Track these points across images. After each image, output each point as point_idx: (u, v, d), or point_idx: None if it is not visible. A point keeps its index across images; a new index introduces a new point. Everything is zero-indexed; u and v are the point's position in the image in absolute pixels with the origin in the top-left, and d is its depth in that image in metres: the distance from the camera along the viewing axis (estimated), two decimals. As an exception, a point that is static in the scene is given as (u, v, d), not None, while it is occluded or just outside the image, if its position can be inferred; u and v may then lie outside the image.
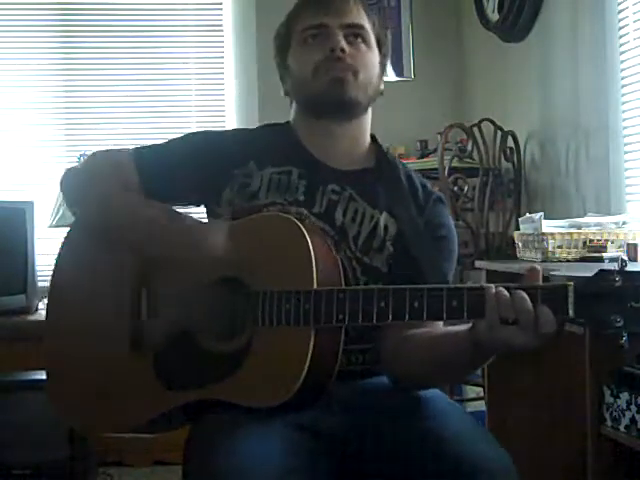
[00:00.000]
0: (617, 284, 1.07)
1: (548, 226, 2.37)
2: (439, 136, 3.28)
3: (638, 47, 2.55)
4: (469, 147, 3.22)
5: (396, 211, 1.43)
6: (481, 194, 3.19)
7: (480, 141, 3.23)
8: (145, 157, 1.49)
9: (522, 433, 2.49)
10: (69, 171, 1.54)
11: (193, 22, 3.92)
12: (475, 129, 3.23)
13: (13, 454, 2.64)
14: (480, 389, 3.18)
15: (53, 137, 3.86)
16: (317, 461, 1.25)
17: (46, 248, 3.47)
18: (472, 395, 3.41)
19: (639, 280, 1.07)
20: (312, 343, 1.22)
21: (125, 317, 1.40)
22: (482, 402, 3.02)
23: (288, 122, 1.55)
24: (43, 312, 3.19)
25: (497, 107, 3.48)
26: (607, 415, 1.88)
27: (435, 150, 3.46)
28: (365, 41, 1.45)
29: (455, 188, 3.20)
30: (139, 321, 1.39)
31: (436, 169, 3.21)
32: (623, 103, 2.63)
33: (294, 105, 1.53)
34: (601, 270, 1.10)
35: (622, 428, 1.83)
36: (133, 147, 1.53)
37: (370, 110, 1.50)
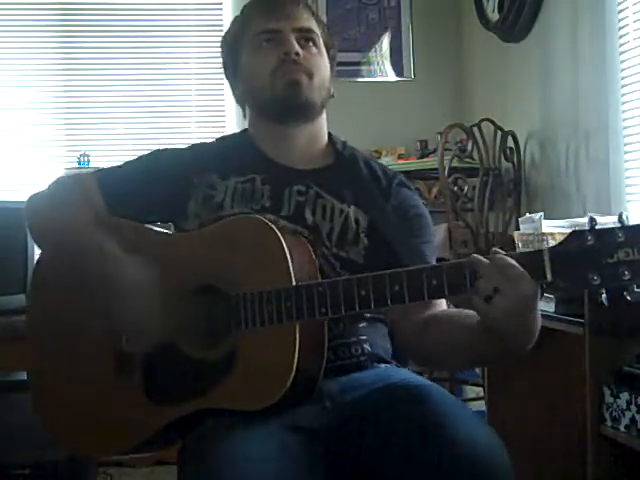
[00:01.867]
0: (590, 243, 1.09)
1: (548, 226, 2.37)
2: (439, 136, 3.28)
3: (638, 47, 2.55)
4: (469, 147, 3.22)
5: (363, 203, 1.45)
6: (481, 194, 3.19)
7: (480, 141, 3.23)
8: (107, 180, 1.50)
9: (522, 433, 2.49)
10: (33, 198, 1.53)
11: (193, 22, 3.92)
12: (475, 129, 3.23)
13: (13, 454, 2.65)
14: (480, 389, 3.18)
15: (53, 137, 3.86)
16: (314, 462, 1.25)
17: (46, 248, 3.47)
18: (472, 395, 3.41)
19: (611, 237, 1.08)
20: (297, 339, 1.22)
21: (106, 342, 1.38)
22: (482, 402, 3.02)
23: (245, 130, 1.56)
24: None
25: (497, 107, 3.48)
26: (607, 415, 1.88)
27: (435, 150, 3.47)
28: (316, 45, 1.48)
29: (455, 188, 3.20)
30: (120, 343, 1.37)
31: (436, 169, 3.21)
32: (623, 103, 2.63)
33: (249, 112, 1.54)
34: (573, 231, 1.12)
35: (622, 428, 1.83)
36: (94, 171, 1.54)
37: (325, 110, 1.52)
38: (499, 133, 3.25)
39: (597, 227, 1.10)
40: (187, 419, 1.31)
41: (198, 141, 1.60)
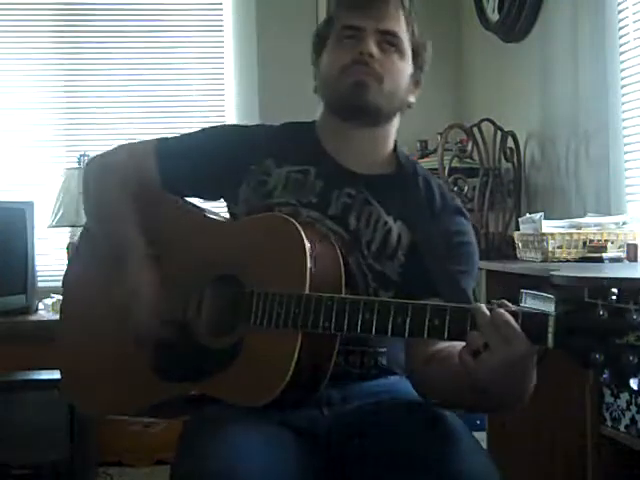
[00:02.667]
0: (601, 318, 1.03)
1: (548, 226, 2.37)
2: (439, 136, 3.28)
3: (638, 47, 2.54)
4: (469, 147, 3.22)
5: (410, 220, 1.42)
6: (481, 194, 3.19)
7: (480, 141, 3.22)
8: (166, 150, 1.51)
9: (522, 433, 2.49)
10: (92, 161, 1.63)
11: (193, 22, 3.92)
12: (475, 129, 3.23)
13: (13, 454, 2.65)
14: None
15: (53, 137, 3.86)
16: (307, 462, 1.25)
17: (46, 248, 3.48)
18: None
19: (624, 315, 1.02)
20: (298, 346, 1.23)
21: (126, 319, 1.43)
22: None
23: (314, 121, 1.54)
24: (43, 312, 3.20)
25: (497, 107, 3.47)
26: (607, 415, 1.88)
27: (435, 150, 3.46)
28: (398, 50, 1.44)
29: (455, 188, 3.20)
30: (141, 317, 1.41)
31: (436, 169, 3.21)
32: (623, 103, 2.63)
33: (321, 104, 1.52)
34: (587, 302, 1.05)
35: (622, 428, 1.83)
36: (157, 139, 1.55)
37: (396, 120, 1.48)
38: (499, 133, 3.24)
39: (614, 303, 1.03)
40: (191, 400, 1.33)
41: (278, 124, 1.59)
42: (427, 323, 1.14)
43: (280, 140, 1.50)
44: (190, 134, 1.54)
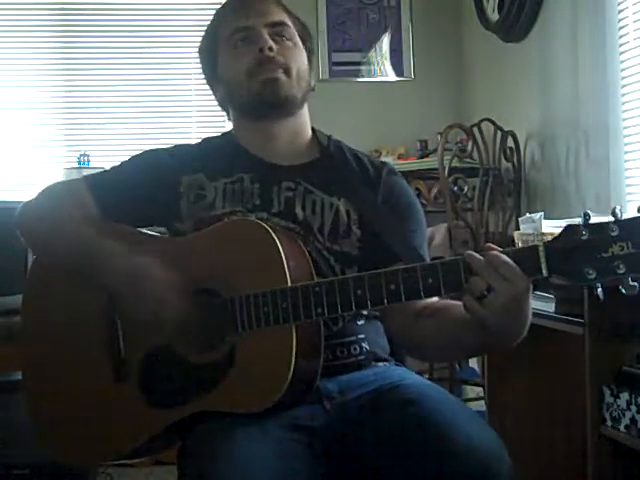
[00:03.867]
0: (584, 237, 1.09)
1: (548, 226, 2.37)
2: (439, 136, 3.28)
3: (638, 47, 2.55)
4: (469, 147, 3.23)
5: (351, 195, 1.44)
6: (481, 194, 3.19)
7: (480, 141, 3.23)
8: (98, 184, 1.49)
9: (522, 433, 2.49)
10: (26, 206, 1.53)
11: (193, 22, 3.92)
12: (475, 129, 3.23)
13: (13, 454, 2.64)
14: (480, 389, 3.18)
15: (53, 137, 3.87)
16: (313, 461, 1.25)
17: (46, 248, 3.47)
18: (472, 395, 3.41)
19: (605, 231, 1.08)
20: (295, 340, 1.22)
21: (103, 347, 1.39)
22: (482, 402, 3.02)
23: (229, 131, 1.56)
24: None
25: (497, 107, 3.48)
26: (607, 415, 1.88)
27: (435, 150, 3.46)
28: (290, 38, 1.47)
29: (455, 188, 3.20)
30: (118, 348, 1.37)
31: (436, 169, 3.21)
32: (623, 103, 2.63)
33: (231, 112, 1.54)
34: (567, 226, 1.12)
35: (622, 428, 1.83)
36: (83, 177, 1.53)
37: (306, 104, 1.51)
38: (499, 133, 3.25)
39: (591, 222, 1.10)
40: (187, 420, 1.31)
41: (198, 141, 1.60)
42: (421, 284, 1.16)
43: (205, 155, 1.50)
44: (116, 166, 1.53)
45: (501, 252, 1.14)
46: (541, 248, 1.12)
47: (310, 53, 1.52)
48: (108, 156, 3.59)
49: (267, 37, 1.44)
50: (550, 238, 1.15)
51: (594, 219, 1.11)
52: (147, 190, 1.46)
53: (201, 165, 1.47)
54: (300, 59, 1.48)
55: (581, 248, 1.10)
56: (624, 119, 2.63)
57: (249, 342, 1.27)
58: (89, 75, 3.87)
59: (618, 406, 1.84)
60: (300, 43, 1.50)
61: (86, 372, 1.41)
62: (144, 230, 1.48)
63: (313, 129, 1.54)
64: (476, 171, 3.23)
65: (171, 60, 3.93)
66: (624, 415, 1.83)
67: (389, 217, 1.43)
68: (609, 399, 1.87)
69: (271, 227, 1.30)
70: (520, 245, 2.55)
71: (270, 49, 1.43)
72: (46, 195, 1.51)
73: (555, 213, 2.82)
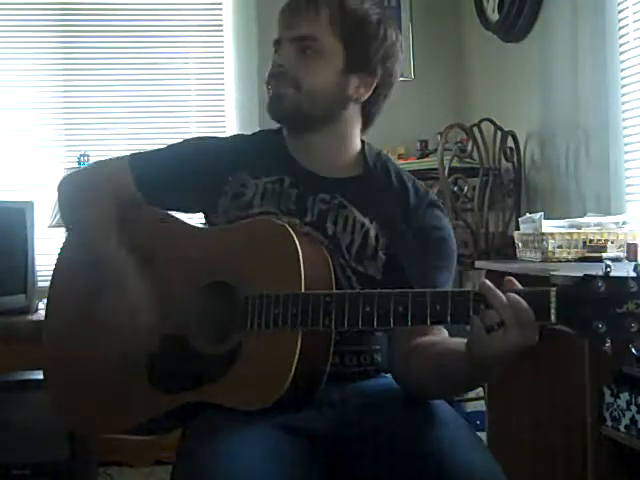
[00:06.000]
0: (600, 290, 1.06)
1: (548, 226, 2.37)
2: (439, 136, 3.28)
3: (638, 47, 2.55)
4: (469, 147, 3.22)
5: (383, 220, 1.42)
6: (481, 194, 3.19)
7: (480, 141, 3.23)
8: (142, 165, 1.50)
9: (522, 433, 2.49)
10: (66, 179, 1.57)
11: (193, 22, 3.92)
12: (475, 129, 3.23)
13: (13, 454, 2.64)
14: (480, 389, 3.18)
15: (53, 137, 3.86)
16: (310, 465, 1.25)
17: (46, 248, 3.47)
18: (472, 395, 3.41)
19: (622, 286, 1.05)
20: (299, 346, 1.23)
21: (117, 336, 1.40)
22: (482, 402, 3.02)
23: (282, 129, 1.54)
24: (43, 312, 3.18)
25: (497, 107, 3.48)
26: (607, 415, 1.88)
27: (435, 150, 3.46)
28: (316, 50, 1.41)
29: (455, 188, 3.20)
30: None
31: (436, 169, 3.21)
32: (623, 103, 2.63)
33: None
34: (585, 275, 1.08)
35: (622, 428, 1.83)
36: (130, 154, 1.53)
37: (347, 116, 1.46)
38: (499, 133, 3.25)
39: (612, 274, 1.06)
40: (188, 408, 1.32)
41: (253, 133, 1.59)
42: (429, 309, 1.15)
43: (254, 152, 1.50)
44: (166, 147, 1.53)
45: (515, 290, 1.11)
46: (553, 293, 1.09)
47: (355, 59, 1.43)
48: (108, 156, 3.59)
49: (285, 53, 1.42)
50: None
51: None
52: (191, 181, 1.47)
53: (247, 162, 1.47)
54: (319, 72, 1.41)
55: (595, 300, 1.06)
56: (624, 119, 2.63)
57: (256, 340, 1.28)
58: (89, 75, 3.87)
59: (618, 406, 1.84)
60: (335, 52, 1.42)
61: (100, 353, 1.43)
62: (174, 216, 1.49)
63: (363, 142, 1.51)
64: (476, 171, 3.23)
65: (171, 60, 3.93)
66: (624, 415, 1.83)
67: (416, 250, 1.40)
68: (609, 399, 1.87)
69: (296, 231, 1.31)
70: (520, 245, 2.56)
71: (280, 65, 1.42)
72: (87, 171, 1.60)
73: (555, 213, 2.82)
